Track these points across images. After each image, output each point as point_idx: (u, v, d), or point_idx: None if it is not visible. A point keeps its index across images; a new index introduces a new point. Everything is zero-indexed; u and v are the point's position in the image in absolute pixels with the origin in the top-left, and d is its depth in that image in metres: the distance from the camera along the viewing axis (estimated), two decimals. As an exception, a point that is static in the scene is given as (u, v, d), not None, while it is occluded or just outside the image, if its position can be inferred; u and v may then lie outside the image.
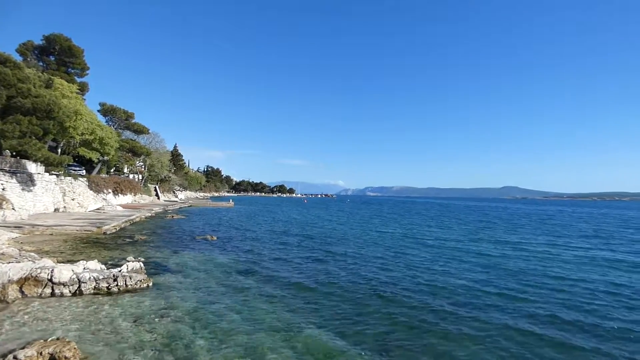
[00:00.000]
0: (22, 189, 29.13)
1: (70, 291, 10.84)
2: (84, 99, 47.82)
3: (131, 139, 64.16)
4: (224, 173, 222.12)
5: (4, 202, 25.96)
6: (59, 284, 10.81)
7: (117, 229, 26.43)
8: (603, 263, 19.51)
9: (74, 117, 37.18)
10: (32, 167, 31.10)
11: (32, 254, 13.97)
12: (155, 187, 77.22)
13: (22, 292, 10.41)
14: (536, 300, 12.29)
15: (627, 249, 25.26)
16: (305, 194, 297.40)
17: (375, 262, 18.07)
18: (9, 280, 10.29)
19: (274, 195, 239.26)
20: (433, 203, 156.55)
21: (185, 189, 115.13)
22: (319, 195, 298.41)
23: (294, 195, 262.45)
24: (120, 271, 12.22)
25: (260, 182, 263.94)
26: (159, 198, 73.87)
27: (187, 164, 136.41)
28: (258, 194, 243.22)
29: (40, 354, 6.85)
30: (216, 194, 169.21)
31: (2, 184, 26.79)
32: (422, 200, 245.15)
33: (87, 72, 51.84)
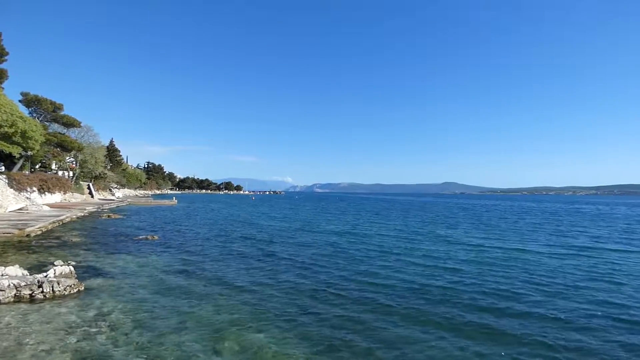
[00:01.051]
0: None
1: (-15, 301, 9.70)
2: (2, 88, 43.10)
3: (60, 133, 59.07)
4: (167, 169, 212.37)
5: None
6: (-29, 293, 9.63)
7: (43, 230, 24.17)
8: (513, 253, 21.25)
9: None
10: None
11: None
12: (88, 185, 71.74)
13: None
14: (477, 290, 13.05)
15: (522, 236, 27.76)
16: (253, 191, 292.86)
17: (319, 261, 18.06)
18: None
19: (220, 193, 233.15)
20: (377, 199, 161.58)
21: (123, 186, 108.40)
22: (267, 192, 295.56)
23: (242, 192, 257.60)
24: (46, 276, 11.17)
25: (206, 179, 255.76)
26: (92, 196, 68.73)
27: (125, 159, 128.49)
28: (204, 191, 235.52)
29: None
30: (158, 192, 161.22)
31: None
32: (367, 196, 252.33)
33: (6, 57, 46.70)
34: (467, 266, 16.90)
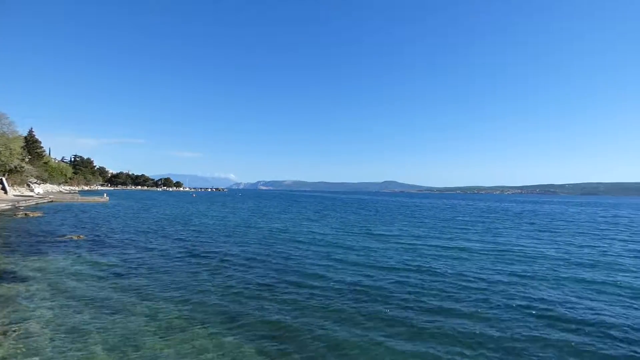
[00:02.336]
0: None
1: None
2: None
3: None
4: (98, 163, 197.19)
5: None
6: None
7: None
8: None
9: None
10: None
11: None
12: (1, 180, 64.18)
13: None
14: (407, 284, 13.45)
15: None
16: (194, 188, 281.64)
17: (254, 261, 17.66)
18: None
19: (158, 189, 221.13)
20: (321, 197, 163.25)
21: (44, 181, 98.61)
22: (210, 190, 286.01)
23: (182, 189, 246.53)
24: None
25: (143, 175, 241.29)
26: (6, 193, 61.58)
27: (47, 152, 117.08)
28: (139, 187, 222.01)
29: None
30: (87, 188, 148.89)
31: None
32: (312, 194, 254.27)
33: None
34: (401, 264, 17.44)
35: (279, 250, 20.43)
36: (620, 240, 26.91)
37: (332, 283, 13.25)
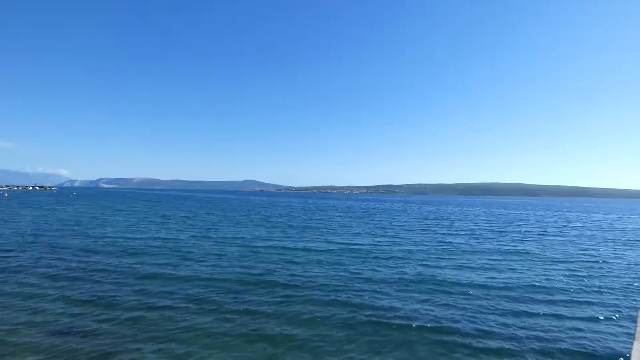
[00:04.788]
0: None
1: None
2: None
3: None
4: None
5: None
6: None
7: None
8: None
9: None
10: None
11: None
12: None
13: None
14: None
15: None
16: (7, 186, 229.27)
17: (80, 265, 15.54)
18: None
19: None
20: (176, 196, 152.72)
21: None
22: (31, 188, 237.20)
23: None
24: None
25: None
26: None
27: None
28: None
29: None
30: None
31: None
32: (165, 193, 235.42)
33: None
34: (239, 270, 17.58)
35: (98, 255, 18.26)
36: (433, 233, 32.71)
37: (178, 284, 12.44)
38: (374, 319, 11.31)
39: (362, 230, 35.82)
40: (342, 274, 16.97)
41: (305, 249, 23.41)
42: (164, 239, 26.46)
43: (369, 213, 65.11)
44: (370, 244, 26.44)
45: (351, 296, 13.50)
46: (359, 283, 15.38)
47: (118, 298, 12.36)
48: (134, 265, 17.35)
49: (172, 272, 16.27)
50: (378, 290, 14.40)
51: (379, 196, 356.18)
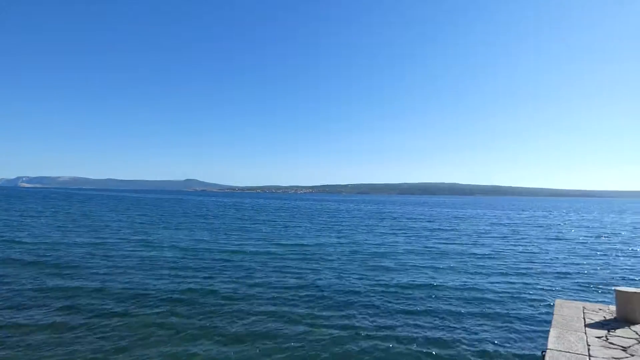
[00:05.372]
0: None
1: None
2: None
3: None
4: None
5: None
6: None
7: None
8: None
9: None
10: None
11: None
12: None
13: None
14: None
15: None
16: None
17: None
18: None
19: None
20: (108, 196, 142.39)
21: None
22: None
23: None
24: None
25: None
26: None
27: None
28: None
29: None
30: None
31: None
32: (96, 193, 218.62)
33: None
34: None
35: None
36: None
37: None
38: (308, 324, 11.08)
39: (303, 231, 35.70)
40: (283, 279, 16.58)
41: (240, 252, 22.69)
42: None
43: (311, 214, 65.35)
44: (312, 245, 26.33)
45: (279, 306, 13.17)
46: (294, 290, 15.10)
47: None
48: None
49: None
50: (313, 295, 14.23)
51: (324, 195, 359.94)
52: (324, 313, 11.67)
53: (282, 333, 9.97)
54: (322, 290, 14.00)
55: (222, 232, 31.79)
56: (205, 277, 15.52)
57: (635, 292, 7.37)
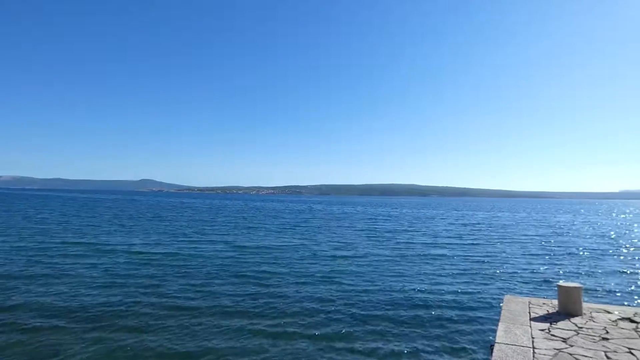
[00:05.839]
0: None
1: None
2: None
3: None
4: None
5: None
6: None
7: None
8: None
9: None
10: None
11: None
12: None
13: None
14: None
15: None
16: None
17: None
18: None
19: None
20: (51, 197, 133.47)
21: None
22: None
23: None
24: None
25: None
26: None
27: None
28: None
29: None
30: None
31: None
32: (40, 194, 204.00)
33: None
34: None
35: None
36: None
37: None
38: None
39: (264, 233, 35.29)
40: (242, 286, 16.24)
41: (188, 255, 22.01)
42: None
43: (272, 215, 64.82)
44: (272, 247, 26.07)
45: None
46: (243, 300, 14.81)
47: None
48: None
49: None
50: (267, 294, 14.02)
51: (286, 196, 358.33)
52: (275, 321, 11.53)
53: (237, 346, 9.61)
54: (278, 297, 13.80)
55: (177, 235, 30.64)
56: (152, 286, 14.55)
57: (575, 287, 7.88)
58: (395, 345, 9.51)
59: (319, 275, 16.90)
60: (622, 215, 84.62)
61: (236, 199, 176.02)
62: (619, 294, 15.08)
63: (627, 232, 43.53)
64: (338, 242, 28.37)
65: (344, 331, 10.31)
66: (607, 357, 5.59)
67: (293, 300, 12.95)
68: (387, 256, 22.68)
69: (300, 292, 14.03)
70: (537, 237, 35.66)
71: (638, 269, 20.65)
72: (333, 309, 12.14)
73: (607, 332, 6.65)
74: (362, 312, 11.94)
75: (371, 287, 15.00)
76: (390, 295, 14.06)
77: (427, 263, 20.82)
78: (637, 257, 24.56)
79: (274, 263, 19.55)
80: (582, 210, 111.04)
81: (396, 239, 31.94)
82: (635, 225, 55.89)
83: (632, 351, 5.79)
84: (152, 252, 21.57)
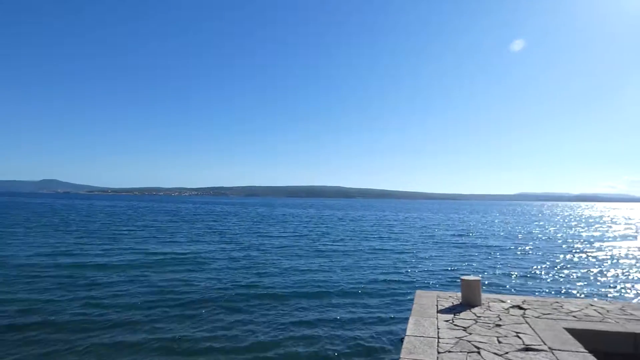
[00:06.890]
0: None
1: None
2: None
3: None
4: None
5: None
6: None
7: None
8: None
9: None
10: None
11: None
12: None
13: None
14: None
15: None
16: None
17: None
18: None
19: None
20: None
21: None
22: None
23: None
24: None
25: None
26: None
27: None
28: None
29: None
30: None
31: None
32: None
33: None
34: None
35: None
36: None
37: None
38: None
39: (183, 237, 33.62)
40: (160, 294, 15.24)
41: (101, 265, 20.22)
42: None
43: (194, 218, 62.12)
44: (192, 252, 24.94)
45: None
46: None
47: None
48: None
49: None
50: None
51: (210, 198, 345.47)
52: (198, 327, 11.06)
53: None
54: (197, 303, 13.21)
55: (84, 242, 27.65)
56: (49, 301, 12.80)
57: (475, 280, 8.69)
58: (304, 347, 9.61)
59: (241, 278, 16.54)
60: (521, 217, 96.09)
61: (156, 201, 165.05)
62: (512, 285, 17.04)
63: (522, 230, 49.42)
64: (261, 244, 28.09)
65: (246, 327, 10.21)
66: (499, 341, 6.23)
67: (219, 302, 12.47)
68: (309, 257, 23.01)
69: (225, 296, 13.58)
70: (452, 236, 38.85)
71: (530, 261, 23.60)
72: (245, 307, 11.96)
73: (500, 319, 7.43)
74: (270, 314, 11.92)
75: (285, 288, 15.05)
76: (307, 295, 14.24)
77: (352, 262, 21.50)
78: (530, 252, 27.99)
79: (192, 268, 18.67)
80: (489, 210, 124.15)
81: (322, 239, 32.58)
82: (534, 224, 63.75)
83: (519, 335, 6.54)
84: (59, 264, 19.29)
